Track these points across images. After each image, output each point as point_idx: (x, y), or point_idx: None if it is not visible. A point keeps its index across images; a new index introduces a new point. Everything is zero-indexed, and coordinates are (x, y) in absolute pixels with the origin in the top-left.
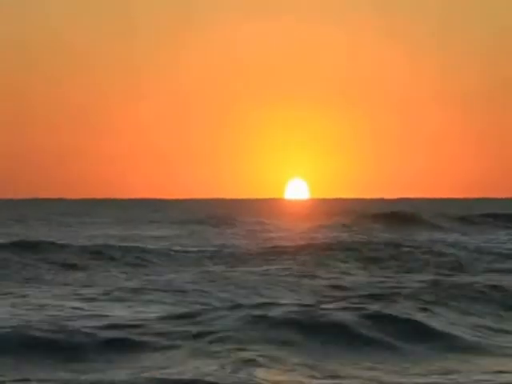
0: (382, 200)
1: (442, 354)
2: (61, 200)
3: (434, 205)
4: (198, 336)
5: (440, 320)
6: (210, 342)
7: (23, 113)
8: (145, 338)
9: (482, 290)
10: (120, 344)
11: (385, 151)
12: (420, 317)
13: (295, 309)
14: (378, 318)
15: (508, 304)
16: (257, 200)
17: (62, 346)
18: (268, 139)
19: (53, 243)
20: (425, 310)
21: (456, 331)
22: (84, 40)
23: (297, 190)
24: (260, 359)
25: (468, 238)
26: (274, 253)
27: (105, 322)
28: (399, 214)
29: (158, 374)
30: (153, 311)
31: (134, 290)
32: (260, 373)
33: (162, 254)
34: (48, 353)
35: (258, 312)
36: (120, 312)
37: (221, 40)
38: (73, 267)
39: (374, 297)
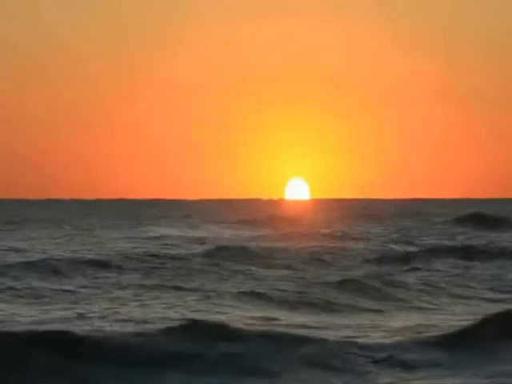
0: (382, 200)
1: None
2: (59, 201)
3: (434, 205)
4: None
5: None
6: None
7: (22, 113)
8: None
9: None
10: None
11: (385, 151)
12: None
13: None
14: None
15: None
16: (257, 200)
17: None
18: (268, 139)
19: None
20: None
21: None
22: (83, 40)
23: (297, 191)
24: None
25: None
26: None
27: None
28: (483, 216)
29: None
30: None
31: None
32: None
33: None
34: None
35: None
36: None
37: (221, 39)
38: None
39: None
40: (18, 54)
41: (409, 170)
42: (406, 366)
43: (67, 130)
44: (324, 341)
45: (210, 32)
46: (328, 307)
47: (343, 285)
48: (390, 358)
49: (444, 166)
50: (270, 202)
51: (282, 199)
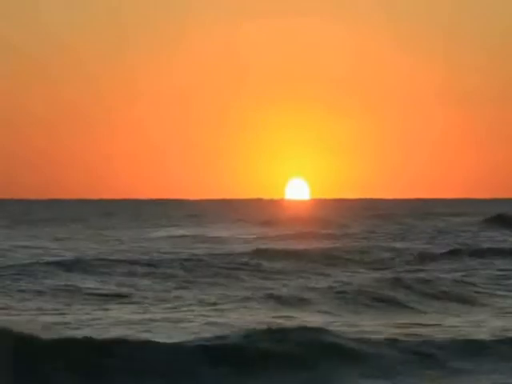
0: (383, 200)
1: None
2: (61, 201)
3: (435, 205)
4: None
5: None
6: None
7: (22, 113)
8: None
9: None
10: None
11: (385, 151)
12: None
13: None
14: None
15: None
16: (258, 200)
17: None
18: (268, 139)
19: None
20: None
21: None
22: (83, 40)
23: (297, 191)
24: None
25: None
26: None
27: None
28: (506, 217)
29: None
30: None
31: None
32: None
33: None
34: None
35: None
36: None
37: (221, 39)
38: None
39: None
40: (18, 54)
41: (409, 170)
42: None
43: (67, 130)
44: (395, 341)
45: (210, 32)
46: (387, 306)
47: (398, 283)
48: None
49: (444, 166)
50: (272, 202)
51: (283, 199)
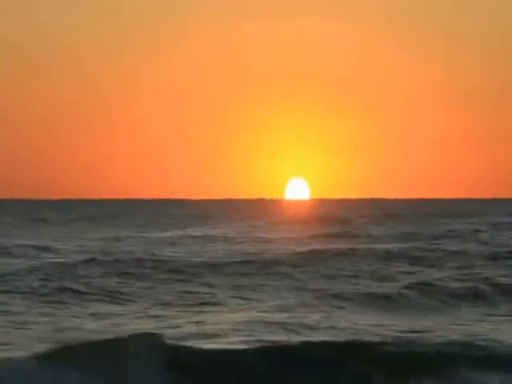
0: (383, 200)
1: None
2: (63, 201)
3: (435, 205)
4: None
5: None
6: None
7: (22, 113)
8: None
9: None
10: None
11: (385, 151)
12: None
13: None
14: None
15: None
16: (260, 200)
17: None
18: (268, 139)
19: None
20: None
21: None
22: (83, 40)
23: (297, 191)
24: None
25: None
26: None
27: None
28: None
29: None
30: None
31: None
32: None
33: None
34: None
35: None
36: None
37: (221, 39)
38: None
39: None
40: (18, 54)
41: (409, 170)
42: None
43: (67, 130)
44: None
45: (210, 32)
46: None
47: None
48: None
49: (444, 166)
50: (274, 202)
51: (283, 199)
